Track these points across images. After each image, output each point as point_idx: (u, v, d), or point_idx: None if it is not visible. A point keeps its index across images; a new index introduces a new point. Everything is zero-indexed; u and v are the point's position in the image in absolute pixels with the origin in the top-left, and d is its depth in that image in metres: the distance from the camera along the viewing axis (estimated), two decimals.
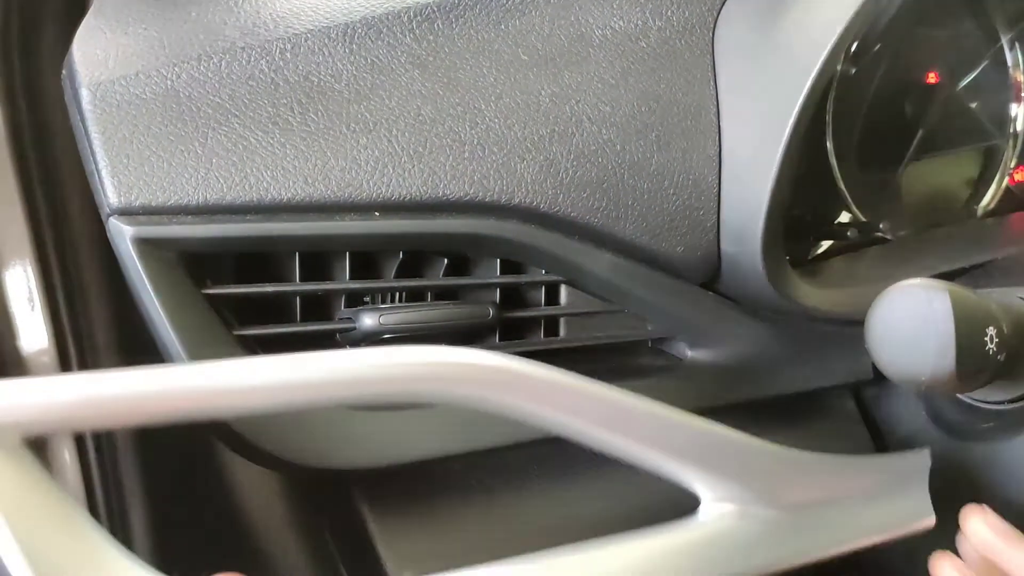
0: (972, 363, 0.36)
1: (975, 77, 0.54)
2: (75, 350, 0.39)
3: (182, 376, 0.25)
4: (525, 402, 0.29)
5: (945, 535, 0.43)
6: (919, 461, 0.40)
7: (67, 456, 0.39)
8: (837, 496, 0.37)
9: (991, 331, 0.36)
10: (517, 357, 0.29)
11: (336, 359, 0.26)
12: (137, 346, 0.32)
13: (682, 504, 0.34)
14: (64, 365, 0.38)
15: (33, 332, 0.38)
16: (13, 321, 0.37)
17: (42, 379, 0.24)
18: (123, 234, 0.29)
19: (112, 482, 0.40)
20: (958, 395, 0.44)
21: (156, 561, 0.38)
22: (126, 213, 0.30)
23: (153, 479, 0.41)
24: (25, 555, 0.23)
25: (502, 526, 0.38)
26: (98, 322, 0.40)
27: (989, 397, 0.43)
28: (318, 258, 0.35)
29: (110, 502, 0.39)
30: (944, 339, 0.35)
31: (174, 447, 0.39)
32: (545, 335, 0.41)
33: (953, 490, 0.43)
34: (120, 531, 0.40)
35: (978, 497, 0.42)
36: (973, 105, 0.54)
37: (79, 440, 0.39)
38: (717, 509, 0.33)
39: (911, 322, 0.36)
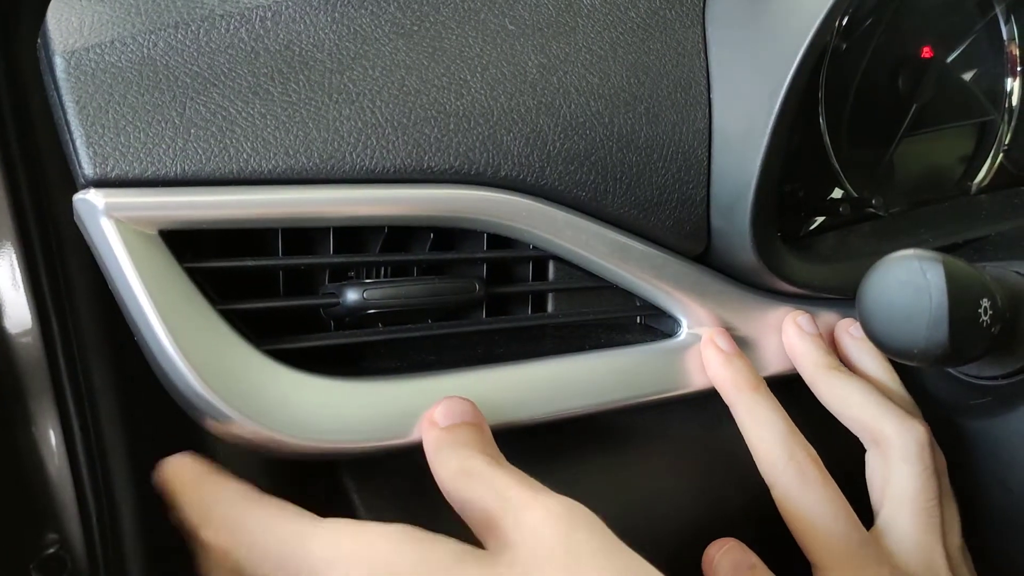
0: (966, 335, 0.35)
1: (969, 51, 0.53)
2: (59, 329, 0.38)
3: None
4: (551, 236, 0.37)
5: None
6: None
7: (52, 435, 0.38)
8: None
9: (985, 303, 0.36)
10: (552, 202, 0.37)
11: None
12: (123, 324, 0.31)
13: None
14: (48, 345, 0.38)
15: (17, 312, 0.37)
16: None
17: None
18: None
19: (98, 460, 0.39)
20: (950, 370, 0.44)
21: (143, 544, 0.37)
22: (101, 184, 0.29)
23: (138, 459, 0.41)
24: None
25: None
26: (82, 300, 0.39)
27: (982, 372, 0.42)
28: (301, 232, 0.35)
29: (96, 481, 0.39)
30: (937, 310, 0.35)
31: (160, 428, 0.39)
32: (533, 311, 0.40)
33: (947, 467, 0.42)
34: (106, 511, 0.39)
35: (971, 475, 0.42)
36: (967, 80, 0.54)
37: (64, 418, 0.38)
38: (693, 332, 0.42)
39: (904, 293, 0.35)
